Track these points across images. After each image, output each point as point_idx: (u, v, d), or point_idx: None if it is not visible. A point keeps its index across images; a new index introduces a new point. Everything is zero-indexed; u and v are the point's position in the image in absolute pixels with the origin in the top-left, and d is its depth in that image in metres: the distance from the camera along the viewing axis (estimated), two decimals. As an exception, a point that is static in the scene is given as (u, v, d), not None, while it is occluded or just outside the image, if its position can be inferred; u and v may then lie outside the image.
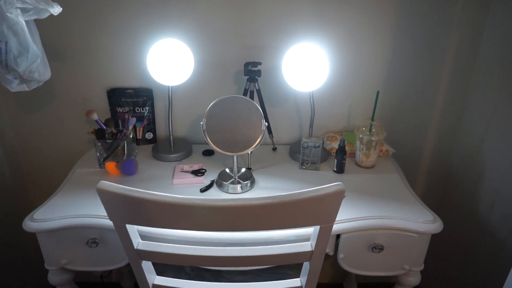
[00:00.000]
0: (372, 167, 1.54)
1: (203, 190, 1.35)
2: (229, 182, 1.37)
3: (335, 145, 1.61)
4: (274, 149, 1.68)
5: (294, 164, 1.56)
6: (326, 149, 1.62)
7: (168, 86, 1.49)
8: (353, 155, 1.59)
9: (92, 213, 1.22)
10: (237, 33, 1.53)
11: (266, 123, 1.30)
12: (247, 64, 1.46)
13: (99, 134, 1.43)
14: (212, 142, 1.31)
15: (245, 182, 1.37)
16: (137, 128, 1.68)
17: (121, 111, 1.65)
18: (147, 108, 1.66)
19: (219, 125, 1.32)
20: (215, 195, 1.34)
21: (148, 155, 1.61)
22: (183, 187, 1.38)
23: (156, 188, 1.36)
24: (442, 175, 1.82)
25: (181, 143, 1.66)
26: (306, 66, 1.38)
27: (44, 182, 1.79)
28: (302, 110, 1.68)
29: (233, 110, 1.32)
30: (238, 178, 1.39)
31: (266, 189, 1.38)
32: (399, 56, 1.59)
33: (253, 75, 1.47)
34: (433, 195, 1.86)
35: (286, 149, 1.68)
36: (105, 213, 0.95)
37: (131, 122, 1.50)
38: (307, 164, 1.52)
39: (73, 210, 1.23)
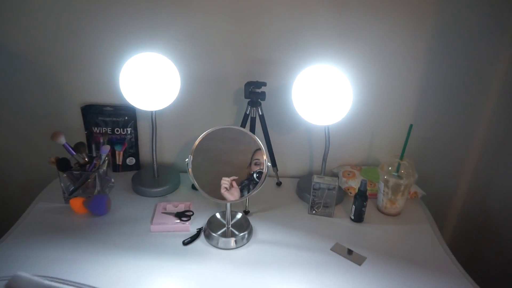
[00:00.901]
0: (397, 214, 1.26)
1: (186, 242, 1.08)
2: (220, 232, 1.09)
3: (353, 184, 1.33)
4: (279, 184, 1.40)
5: (302, 206, 1.29)
6: (341, 188, 1.34)
7: (151, 112, 1.22)
8: (373, 196, 1.31)
9: (41, 272, 0.95)
10: (237, 44, 1.25)
11: (269, 163, 1.02)
12: (248, 85, 1.18)
13: (62, 165, 1.17)
14: (201, 186, 1.04)
15: (241, 233, 1.09)
16: (117, 152, 1.41)
17: (98, 131, 1.38)
18: (128, 129, 1.39)
19: (210, 164, 1.05)
20: (202, 251, 1.07)
21: (127, 187, 1.34)
22: (163, 236, 1.11)
23: (129, 236, 1.10)
24: (475, 221, 1.53)
25: (167, 173, 1.38)
26: (324, 95, 1.09)
27: (2, 215, 1.51)
28: (314, 138, 1.40)
29: (227, 145, 1.04)
30: (231, 227, 1.12)
31: (266, 244, 1.10)
32: (433, 83, 1.30)
33: (255, 98, 1.19)
34: (464, 244, 1.57)
35: (293, 184, 1.40)
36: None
37: (103, 151, 1.23)
38: (318, 208, 1.24)
39: (18, 267, 0.97)
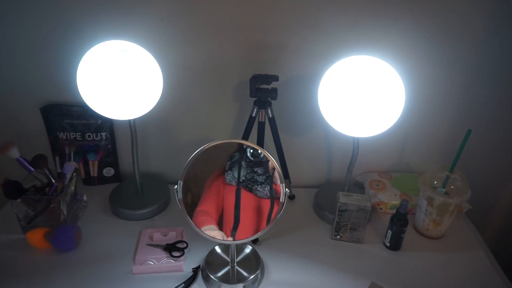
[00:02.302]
0: (441, 237, 1.02)
1: (179, 290, 0.83)
2: (222, 274, 0.84)
3: (384, 197, 1.08)
4: (292, 197, 1.14)
5: (322, 228, 1.04)
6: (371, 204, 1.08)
7: (128, 120, 0.94)
8: (409, 213, 1.05)
9: None
10: (238, 25, 0.96)
11: (288, 190, 0.76)
12: (255, 80, 0.90)
13: (11, 190, 0.89)
14: (196, 222, 0.77)
15: (251, 276, 0.84)
16: (90, 162, 1.13)
17: (64, 137, 1.10)
18: (103, 134, 1.11)
19: (207, 188, 0.79)
20: (200, 301, 0.82)
21: (104, 207, 1.07)
22: (149, 280, 0.86)
23: (104, 281, 0.85)
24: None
25: (154, 187, 1.12)
26: (368, 98, 0.81)
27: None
28: (333, 140, 1.14)
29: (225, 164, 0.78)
30: (237, 265, 0.87)
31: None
32: (484, 80, 1.03)
33: (264, 97, 0.91)
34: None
35: (309, 197, 1.15)
36: None
37: (67, 169, 0.95)
38: (344, 232, 0.99)
39: None
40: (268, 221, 0.78)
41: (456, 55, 1.00)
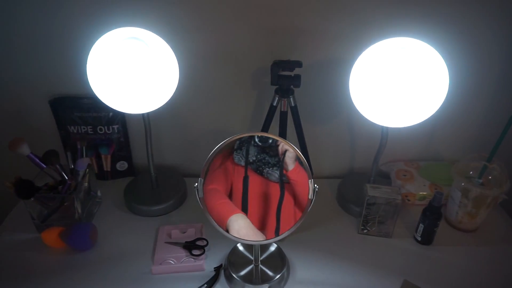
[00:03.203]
0: (475, 230, 0.96)
1: (201, 291, 0.79)
2: (245, 272, 0.80)
3: (412, 188, 1.02)
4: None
5: (348, 221, 0.98)
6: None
7: (142, 114, 0.88)
8: (440, 204, 0.99)
9: None
10: (257, 7, 0.89)
11: (317, 186, 0.70)
12: (277, 66, 0.83)
13: (23, 190, 0.85)
14: (218, 209, 0.73)
15: (276, 275, 0.79)
16: (103, 156, 1.09)
17: (75, 131, 1.05)
18: (115, 126, 1.06)
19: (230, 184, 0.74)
20: (223, 302, 0.78)
21: (119, 203, 1.03)
22: (169, 280, 0.82)
23: (122, 281, 0.82)
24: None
25: (169, 180, 1.07)
26: (406, 85, 0.74)
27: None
28: (356, 127, 1.07)
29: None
30: (261, 264, 0.82)
31: (309, 287, 0.81)
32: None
33: (286, 85, 0.85)
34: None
35: (332, 188, 1.09)
36: None
37: (80, 166, 0.91)
38: (371, 226, 0.93)
39: None
40: (278, 211, 0.73)
41: (498, 37, 0.92)
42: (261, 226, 0.74)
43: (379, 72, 0.74)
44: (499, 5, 0.88)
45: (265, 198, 0.73)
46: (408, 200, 1.02)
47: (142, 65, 0.75)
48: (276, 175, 0.71)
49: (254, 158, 0.72)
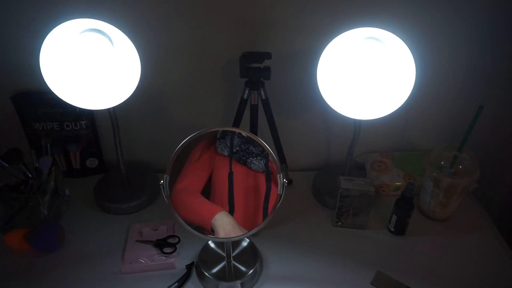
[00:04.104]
0: (447, 219, 0.96)
1: (172, 290, 0.77)
2: (217, 270, 0.79)
3: (386, 179, 1.02)
4: (289, 182, 1.08)
5: (323, 214, 0.98)
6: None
7: (107, 109, 0.85)
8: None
9: None
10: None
11: (286, 180, 0.69)
12: (245, 58, 0.81)
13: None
14: (187, 219, 0.71)
15: (249, 270, 0.78)
16: (72, 153, 1.05)
17: (40, 128, 1.01)
18: (83, 122, 1.02)
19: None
20: (195, 301, 0.77)
21: (89, 201, 1.00)
22: (139, 279, 0.80)
23: (91, 282, 0.79)
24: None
25: (141, 177, 1.05)
26: (373, 76, 0.73)
27: None
28: (331, 120, 1.06)
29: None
30: (234, 260, 0.81)
31: (281, 282, 0.80)
32: (489, 48, 0.95)
33: (256, 77, 0.83)
34: None
35: (308, 180, 1.08)
36: None
37: (43, 164, 0.87)
38: (345, 218, 0.93)
39: None
40: (265, 205, 0.72)
41: (465, 25, 0.92)
42: (247, 220, 0.73)
43: (345, 63, 0.73)
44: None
45: (250, 191, 0.72)
46: (383, 191, 1.03)
47: (100, 59, 0.72)
48: (260, 165, 0.70)
49: (238, 148, 0.70)
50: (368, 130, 1.05)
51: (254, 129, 0.89)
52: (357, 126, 0.88)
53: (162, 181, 0.68)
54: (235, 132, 0.69)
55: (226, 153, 0.72)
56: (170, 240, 0.87)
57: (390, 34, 0.71)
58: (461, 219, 0.97)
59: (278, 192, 0.69)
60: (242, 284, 0.77)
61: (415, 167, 1.04)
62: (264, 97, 0.87)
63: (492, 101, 1.00)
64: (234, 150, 0.70)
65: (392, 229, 0.92)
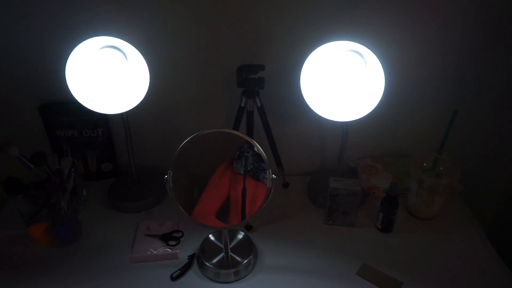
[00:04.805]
0: (433, 218, 1.03)
1: (175, 276, 0.86)
2: (216, 260, 0.87)
3: (376, 182, 1.09)
4: (286, 185, 1.16)
5: (316, 214, 1.05)
6: (362, 187, 1.10)
7: (121, 114, 0.96)
8: (402, 196, 1.07)
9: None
10: (227, 18, 0.97)
11: (274, 176, 0.78)
12: (241, 70, 0.92)
13: (11, 186, 0.93)
14: (187, 210, 0.80)
15: (244, 260, 0.86)
16: (89, 159, 1.17)
17: (62, 135, 1.13)
18: (100, 130, 1.14)
19: (196, 180, 0.81)
20: (195, 287, 0.85)
21: (104, 200, 1.11)
22: (146, 268, 0.89)
23: (103, 270, 0.88)
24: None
25: (151, 180, 1.15)
26: (345, 83, 0.83)
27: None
28: (325, 128, 1.15)
29: (217, 153, 0.80)
30: (231, 251, 0.89)
31: (275, 271, 0.88)
32: (473, 59, 1.04)
33: (251, 86, 0.93)
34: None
35: (303, 184, 1.17)
36: None
37: (64, 165, 0.99)
38: (336, 217, 1.01)
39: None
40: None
41: (438, 37, 1.01)
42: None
43: (323, 72, 0.83)
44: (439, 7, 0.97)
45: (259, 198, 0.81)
46: (373, 193, 1.10)
47: (116, 71, 0.84)
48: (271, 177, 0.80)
49: (252, 166, 0.80)
50: (360, 137, 1.13)
51: (250, 133, 0.98)
52: (345, 129, 0.97)
53: (166, 176, 0.78)
54: (249, 151, 0.79)
55: (242, 171, 0.81)
56: (175, 234, 0.96)
57: (361, 46, 0.81)
58: (447, 219, 1.03)
59: (268, 186, 0.78)
60: (237, 272, 0.85)
61: (404, 171, 1.11)
62: (259, 105, 0.97)
63: (464, 105, 1.08)
64: (249, 168, 0.79)
65: (380, 227, 0.99)
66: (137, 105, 0.92)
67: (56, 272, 0.88)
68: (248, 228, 0.99)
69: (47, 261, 0.91)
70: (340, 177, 1.02)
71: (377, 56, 0.80)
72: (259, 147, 0.77)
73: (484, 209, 1.27)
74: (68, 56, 0.86)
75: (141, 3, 0.95)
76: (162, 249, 0.92)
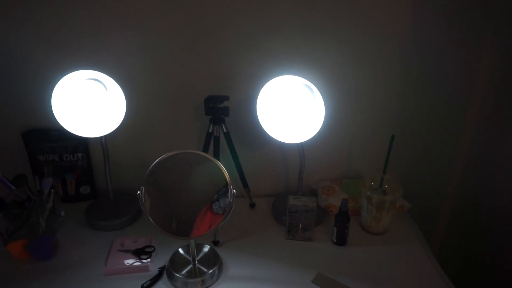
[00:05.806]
0: (384, 232, 1.14)
1: (146, 286, 0.93)
2: (184, 272, 0.95)
3: (334, 201, 1.21)
4: (252, 205, 1.26)
5: (279, 231, 1.15)
6: (321, 206, 1.21)
7: (100, 137, 1.06)
8: (357, 214, 1.19)
9: None
10: (194, 56, 1.11)
11: (235, 191, 0.89)
12: (208, 100, 1.04)
13: (-5, 205, 1.00)
14: (156, 222, 0.89)
15: (209, 271, 0.95)
16: (68, 181, 1.24)
17: (43, 159, 1.21)
18: (79, 154, 1.22)
19: (166, 196, 0.91)
20: (163, 295, 0.92)
21: (81, 221, 1.18)
22: (119, 280, 0.96)
23: (78, 284, 0.94)
24: (466, 232, 1.43)
25: (126, 201, 1.23)
26: (292, 109, 0.98)
27: None
28: (288, 152, 1.28)
29: (186, 172, 0.90)
30: (198, 263, 0.98)
31: (238, 280, 0.97)
32: (413, 87, 1.20)
33: (217, 114, 1.06)
34: (455, 256, 1.47)
35: (268, 204, 1.27)
36: None
37: (45, 185, 1.07)
38: (296, 232, 1.11)
39: None
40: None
41: (381, 73, 1.18)
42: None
43: (274, 103, 0.98)
44: (380, 45, 1.14)
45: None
46: (331, 211, 1.21)
47: (96, 99, 0.95)
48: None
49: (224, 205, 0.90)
50: (319, 162, 1.27)
51: (216, 155, 1.10)
52: (301, 151, 1.10)
53: (138, 192, 0.88)
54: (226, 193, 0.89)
55: (221, 212, 0.90)
56: (147, 249, 1.04)
57: (303, 79, 0.95)
58: (396, 234, 1.14)
59: (229, 200, 0.88)
60: (203, 281, 0.93)
61: (358, 191, 1.23)
62: (225, 131, 1.09)
63: (413, 130, 1.24)
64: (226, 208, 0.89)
65: (335, 240, 1.09)
66: (115, 129, 1.02)
67: (31, 287, 0.94)
68: (215, 243, 1.07)
69: (25, 277, 0.97)
70: (300, 195, 1.13)
71: (318, 88, 0.95)
72: (219, 163, 0.88)
73: (431, 224, 1.40)
74: (52, 87, 0.96)
75: (121, 43, 1.08)
76: (135, 262, 1.00)
